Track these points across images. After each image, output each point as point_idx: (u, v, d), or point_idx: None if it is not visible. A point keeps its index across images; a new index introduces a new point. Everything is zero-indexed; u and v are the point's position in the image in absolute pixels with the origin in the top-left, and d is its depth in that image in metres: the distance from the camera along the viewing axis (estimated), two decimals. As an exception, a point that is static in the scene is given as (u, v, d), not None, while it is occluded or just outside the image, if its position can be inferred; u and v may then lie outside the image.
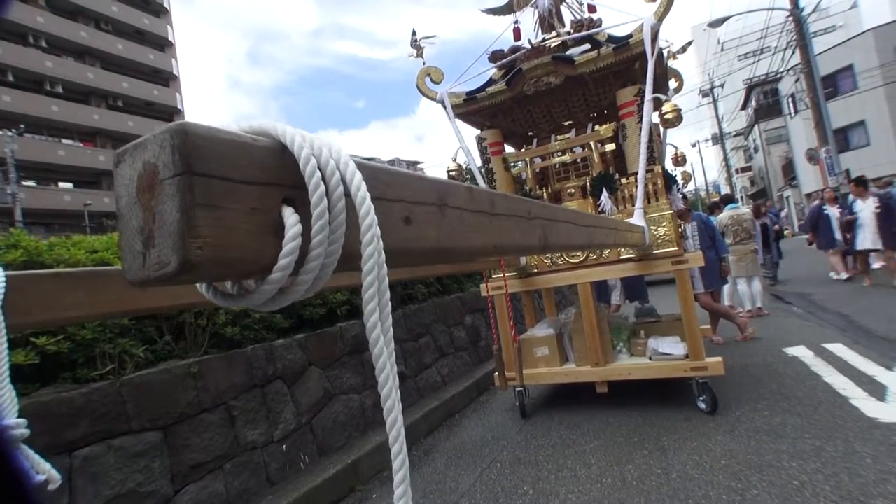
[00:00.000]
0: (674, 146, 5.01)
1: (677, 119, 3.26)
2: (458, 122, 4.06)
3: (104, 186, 28.76)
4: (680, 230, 3.75)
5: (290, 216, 0.44)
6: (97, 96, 29.59)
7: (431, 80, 4.00)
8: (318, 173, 0.45)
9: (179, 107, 34.52)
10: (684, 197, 5.24)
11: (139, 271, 0.38)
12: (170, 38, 34.55)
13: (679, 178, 4.57)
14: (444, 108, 3.94)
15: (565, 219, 1.37)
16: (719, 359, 3.50)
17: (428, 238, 0.67)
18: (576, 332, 4.03)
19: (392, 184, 0.60)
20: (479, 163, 4.22)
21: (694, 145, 47.04)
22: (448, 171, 4.04)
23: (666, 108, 3.29)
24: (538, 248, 1.13)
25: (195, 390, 2.80)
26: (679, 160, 4.92)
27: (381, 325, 0.46)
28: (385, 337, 0.47)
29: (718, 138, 38.02)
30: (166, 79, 33.89)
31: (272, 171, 0.44)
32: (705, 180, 54.34)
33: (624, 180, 3.66)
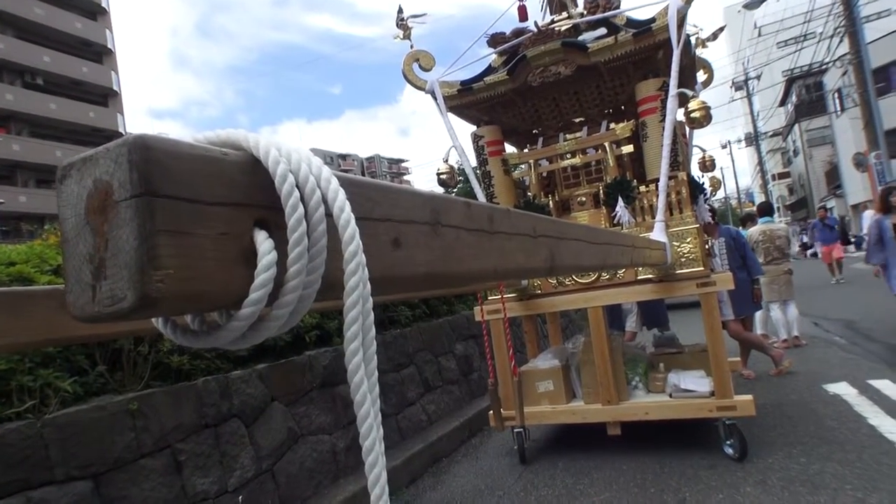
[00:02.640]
0: (701, 148, 5.10)
1: (706, 118, 3.32)
2: (451, 116, 4.10)
3: (20, 182, 28.21)
4: (707, 247, 3.80)
5: (263, 242, 0.44)
6: (10, 72, 28.49)
7: (420, 66, 4.04)
8: (295, 192, 0.46)
9: (115, 87, 34.06)
10: (712, 209, 5.32)
11: (87, 306, 0.39)
12: (102, 4, 33.74)
13: (706, 186, 4.64)
14: (435, 99, 3.98)
15: (575, 236, 1.40)
16: (749, 397, 3.54)
17: (419, 262, 0.68)
18: (585, 364, 4.05)
19: (379, 201, 0.61)
20: (474, 164, 4.25)
21: (724, 146, 47.72)
22: (438, 174, 4.07)
23: (693, 105, 3.35)
24: (544, 270, 1.15)
25: (134, 431, 2.77)
26: (707, 165, 5.01)
27: (364, 368, 0.47)
28: (369, 381, 0.48)
29: (753, 139, 38.59)
30: (99, 53, 33.17)
31: (243, 190, 0.45)
32: (737, 187, 55.00)
33: (643, 188, 3.71)
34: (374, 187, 0.62)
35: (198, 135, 0.48)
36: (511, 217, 1.00)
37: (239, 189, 0.45)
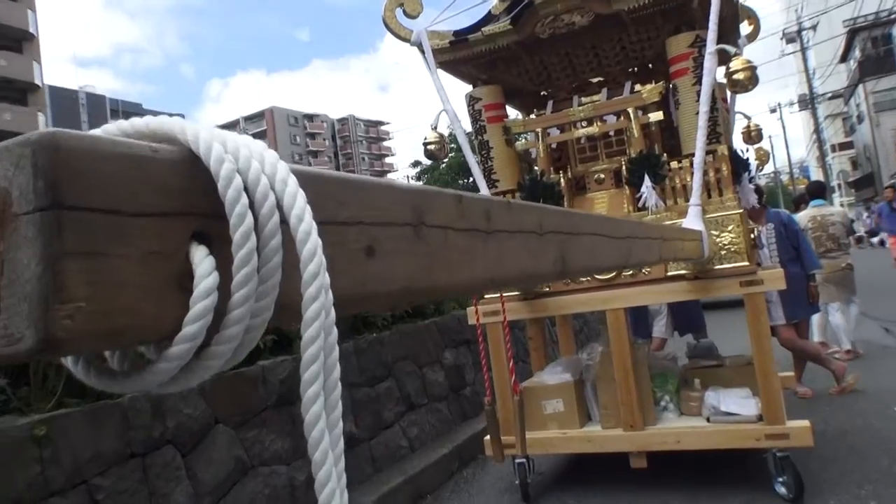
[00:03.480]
0: (745, 115, 5.13)
1: (751, 81, 3.33)
2: (442, 73, 4.09)
3: None
4: (752, 236, 3.83)
5: (202, 261, 0.44)
6: None
7: (405, 11, 4.02)
8: (243, 198, 0.45)
9: (31, 30, 33.72)
10: (758, 189, 5.36)
11: (-25, 343, 0.38)
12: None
13: (752, 161, 4.65)
14: (422, 53, 3.97)
15: (591, 230, 1.40)
16: (806, 423, 3.57)
17: (397, 274, 0.68)
18: (602, 380, 4.07)
19: (348, 201, 0.61)
20: (469, 132, 4.25)
21: (774, 111, 47.93)
22: (425, 144, 4.06)
23: (735, 64, 3.35)
24: (553, 274, 1.16)
25: (40, 463, 2.76)
26: (752, 136, 5.03)
27: (325, 419, 0.47)
28: (332, 435, 0.47)
29: (808, 102, 38.83)
30: (10, -16, 32.95)
31: (178, 196, 0.44)
32: (789, 160, 55.27)
33: (674, 164, 3.74)
34: (342, 183, 0.62)
35: (123, 123, 0.47)
36: (512, 211, 1.00)
37: (172, 195, 0.44)
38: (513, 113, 4.59)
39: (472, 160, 4.05)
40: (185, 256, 0.44)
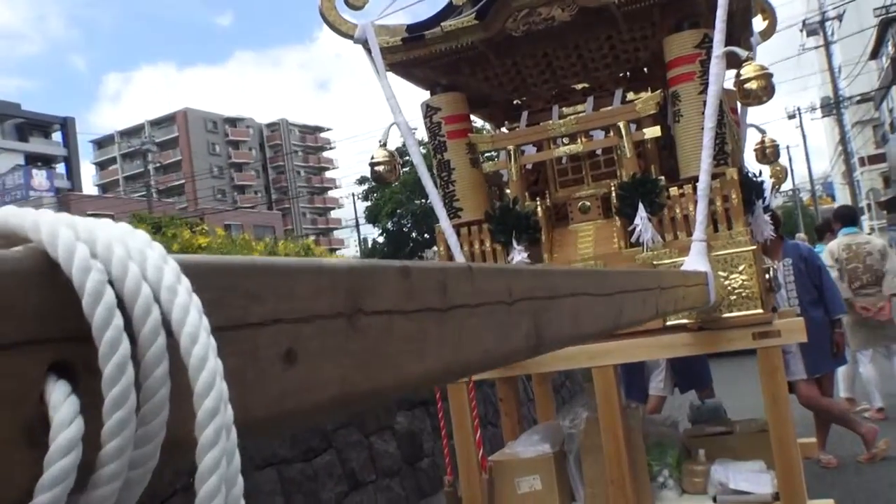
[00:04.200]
0: (759, 130, 5.22)
1: (765, 91, 3.38)
2: (393, 77, 4.08)
3: None
4: (768, 276, 3.88)
5: (61, 404, 0.41)
6: None
7: (347, 2, 4.02)
8: (117, 317, 0.43)
9: None
10: (774, 218, 5.45)
11: None
12: None
13: (767, 184, 4.72)
14: (368, 52, 3.96)
15: (572, 289, 1.40)
16: (830, 502, 3.59)
17: (326, 380, 0.66)
18: (588, 452, 4.06)
19: (262, 294, 0.59)
20: (425, 150, 4.24)
21: (792, 117, 49.11)
22: (372, 165, 4.04)
23: (748, 70, 3.41)
24: (525, 350, 1.15)
25: None
26: (768, 153, 5.12)
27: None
28: None
29: (832, 106, 39.84)
30: None
31: (29, 317, 0.42)
32: (810, 175, 56.59)
33: (674, 190, 3.77)
34: (253, 271, 0.59)
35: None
36: (474, 279, 0.99)
37: (20, 317, 0.41)
38: (480, 125, 4.61)
39: (430, 185, 4.03)
40: (39, 398, 0.41)
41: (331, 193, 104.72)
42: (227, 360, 0.49)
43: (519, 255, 3.87)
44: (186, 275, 0.49)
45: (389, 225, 43.34)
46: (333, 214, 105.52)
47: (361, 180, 46.22)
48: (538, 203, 4.06)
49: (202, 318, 0.47)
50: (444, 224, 3.98)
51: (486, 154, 4.30)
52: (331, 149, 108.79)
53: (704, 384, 6.39)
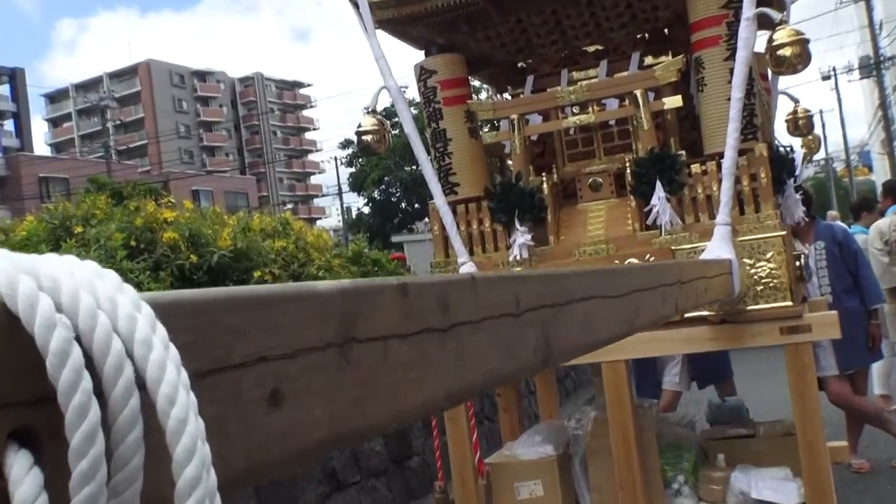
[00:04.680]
0: (792, 98, 5.20)
1: (800, 58, 3.37)
2: (383, 36, 4.06)
3: None
4: (798, 264, 3.88)
5: (22, 477, 0.40)
6: None
7: (330, -51, 3.99)
8: (85, 379, 0.42)
9: None
10: (806, 196, 5.44)
11: None
12: None
13: (798, 158, 4.71)
14: (356, 8, 3.93)
15: (585, 293, 1.40)
16: (863, 514, 3.63)
17: (314, 422, 0.66)
18: (595, 455, 4.08)
19: (246, 330, 0.59)
20: (416, 111, 4.20)
21: (827, 78, 48.86)
22: (359, 135, 4.03)
23: (781, 35, 3.39)
24: (533, 366, 1.16)
25: None
26: (801, 125, 5.11)
27: None
28: None
29: (872, 67, 39.71)
30: None
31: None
32: (845, 143, 56.43)
33: (696, 167, 3.75)
34: (235, 304, 0.59)
35: None
36: (478, 291, 0.99)
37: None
38: (479, 90, 4.59)
39: (424, 157, 4.01)
40: (-2, 469, 0.41)
41: (311, 157, 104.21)
42: (206, 408, 0.49)
43: (522, 237, 3.86)
44: (163, 317, 0.49)
45: (376, 194, 43.27)
46: (314, 180, 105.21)
47: (345, 144, 45.98)
48: (544, 179, 4.04)
49: (181, 374, 0.46)
50: (439, 201, 3.95)
51: (487, 123, 4.26)
52: (311, 107, 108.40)
53: (725, 378, 6.40)
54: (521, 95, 4.24)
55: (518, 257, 3.83)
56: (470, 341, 0.94)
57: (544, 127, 4.20)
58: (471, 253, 3.95)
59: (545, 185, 4.01)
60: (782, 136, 5.14)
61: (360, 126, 4.04)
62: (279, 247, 6.71)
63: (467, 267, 3.83)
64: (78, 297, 0.44)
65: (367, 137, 4.05)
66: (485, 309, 0.99)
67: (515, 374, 1.10)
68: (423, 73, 4.21)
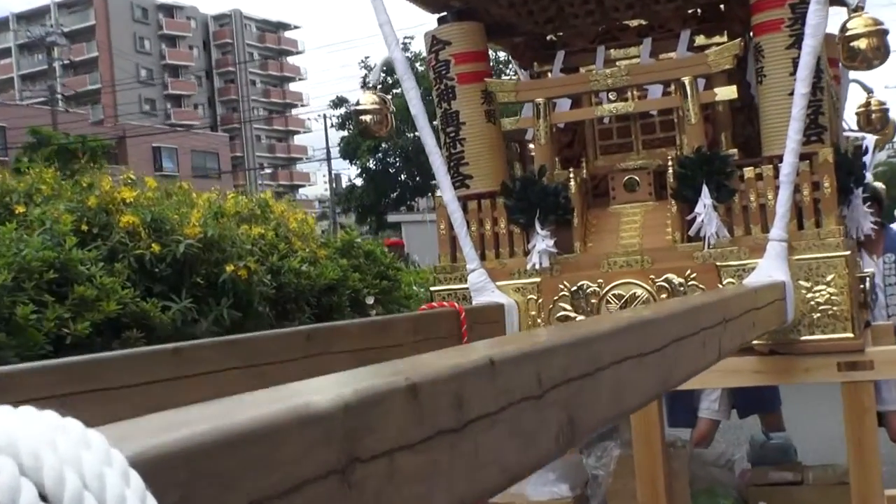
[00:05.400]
0: (865, 88, 5.20)
1: (877, 52, 3.37)
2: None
3: None
4: (863, 287, 3.89)
5: None
6: None
7: None
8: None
9: None
10: (876, 199, 5.44)
11: None
12: None
13: (869, 146, 4.70)
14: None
15: (616, 355, 1.42)
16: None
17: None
18: (615, 499, 4.12)
19: (237, 474, 0.60)
20: (427, 97, 4.19)
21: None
22: (358, 112, 4.05)
23: (856, 24, 3.40)
24: (554, 453, 1.19)
25: None
26: (874, 119, 5.10)
27: None
28: None
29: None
30: None
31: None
32: (925, 125, 56.21)
33: (749, 171, 3.75)
34: (226, 446, 0.60)
35: None
36: (497, 375, 1.01)
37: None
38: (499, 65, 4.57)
39: (432, 143, 4.01)
40: None
41: (295, 112, 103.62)
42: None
43: (542, 242, 3.85)
44: (153, 474, 0.51)
45: (371, 163, 42.84)
46: (297, 141, 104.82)
47: (338, 102, 45.67)
48: (571, 174, 4.02)
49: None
50: (447, 195, 3.94)
51: (508, 106, 4.26)
52: (298, 53, 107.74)
53: (771, 408, 6.40)
54: (549, 75, 4.25)
55: (537, 265, 3.85)
56: (486, 438, 0.96)
57: (574, 115, 4.20)
58: (482, 258, 3.96)
59: (572, 182, 3.98)
60: (849, 123, 5.12)
61: (357, 104, 4.05)
62: (256, 234, 6.74)
63: (477, 274, 3.85)
64: (63, 480, 0.46)
65: (367, 118, 4.06)
66: (504, 396, 1.01)
67: (533, 466, 1.12)
68: (434, 44, 4.20)
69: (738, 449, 5.41)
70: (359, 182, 45.56)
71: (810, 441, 5.62)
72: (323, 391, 0.75)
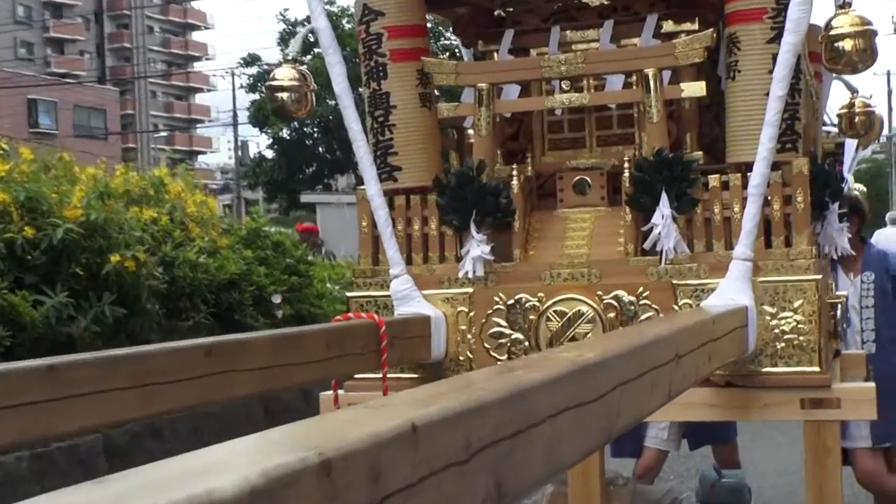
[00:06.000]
0: (849, 87, 5.25)
1: (863, 55, 3.44)
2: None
3: None
4: (833, 314, 3.95)
5: None
6: None
7: None
8: None
9: None
10: (855, 209, 5.51)
11: None
12: None
13: (849, 154, 4.77)
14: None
15: (553, 407, 1.45)
16: None
17: None
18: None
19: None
20: (352, 75, 4.19)
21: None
22: (272, 89, 4.04)
23: (841, 22, 3.46)
24: None
25: None
26: (858, 123, 5.16)
27: None
28: None
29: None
30: None
31: None
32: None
33: (715, 179, 3.78)
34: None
35: None
36: (420, 442, 1.03)
37: None
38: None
39: (357, 128, 4.00)
40: None
41: (198, 67, 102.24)
42: None
43: (478, 248, 3.81)
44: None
45: (285, 132, 42.11)
46: (199, 99, 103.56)
47: (249, 60, 45.05)
48: (514, 172, 4.04)
49: None
50: (372, 189, 3.91)
51: (446, 88, 4.27)
52: (207, 28, 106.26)
53: (725, 438, 6.44)
54: (495, 56, 4.27)
55: (471, 274, 3.86)
56: None
57: (522, 104, 4.24)
58: (408, 262, 3.98)
59: (515, 181, 3.99)
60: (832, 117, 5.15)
61: (274, 78, 4.03)
62: (148, 219, 6.66)
63: (401, 281, 3.85)
64: None
65: (283, 95, 4.04)
66: (425, 465, 1.03)
67: None
68: (365, 14, 4.17)
69: (686, 482, 5.49)
70: (269, 154, 45.00)
71: (767, 476, 5.71)
72: (226, 470, 0.76)
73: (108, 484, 0.71)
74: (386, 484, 0.95)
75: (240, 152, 57.25)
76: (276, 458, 0.82)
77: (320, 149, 42.80)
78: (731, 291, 3.55)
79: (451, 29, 4.95)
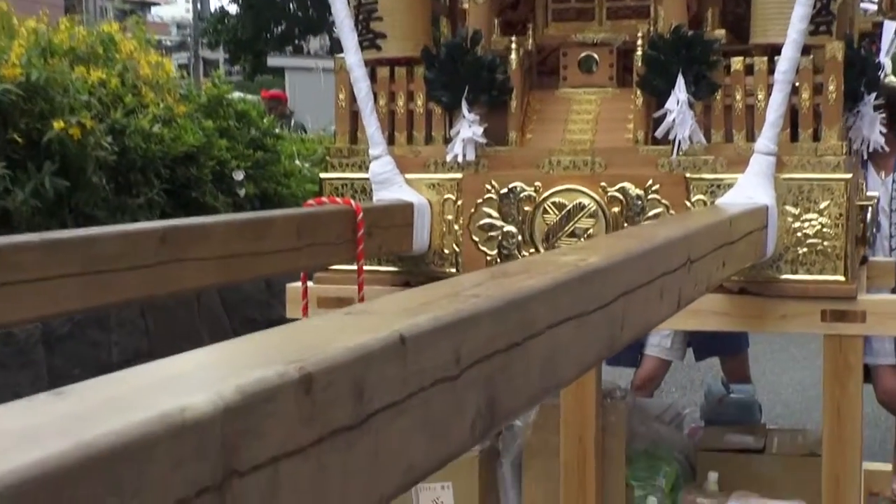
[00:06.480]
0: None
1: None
2: None
3: None
4: (861, 219, 3.94)
5: None
6: None
7: None
8: None
9: None
10: (890, 102, 5.50)
11: None
12: None
13: (887, 38, 4.75)
14: None
15: (553, 317, 1.45)
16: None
17: None
18: (533, 456, 4.20)
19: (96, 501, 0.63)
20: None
21: None
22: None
23: None
24: (469, 443, 1.21)
25: None
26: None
27: None
28: None
29: None
30: None
31: None
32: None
33: (737, 61, 3.76)
34: (93, 467, 0.62)
35: None
36: (409, 355, 1.04)
37: None
38: None
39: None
40: None
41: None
42: None
43: (469, 129, 3.76)
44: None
45: (251, -14, 41.57)
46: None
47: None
48: (513, 44, 4.00)
49: None
50: (352, 58, 3.82)
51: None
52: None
53: (735, 349, 6.39)
54: None
55: (460, 158, 3.83)
56: (388, 432, 0.99)
57: (520, -30, 4.16)
58: (390, 141, 3.95)
59: (513, 55, 3.95)
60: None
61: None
62: (96, 80, 6.50)
63: (382, 163, 3.80)
64: None
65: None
66: (414, 380, 1.04)
67: (442, 462, 1.14)
68: None
69: (690, 401, 5.50)
70: (233, 9, 44.39)
71: (780, 392, 5.74)
72: (196, 385, 0.77)
73: (67, 397, 0.71)
74: (371, 401, 0.95)
75: (199, 5, 56.28)
76: (252, 372, 0.82)
77: (291, 5, 42.21)
78: (750, 188, 3.53)
79: None
